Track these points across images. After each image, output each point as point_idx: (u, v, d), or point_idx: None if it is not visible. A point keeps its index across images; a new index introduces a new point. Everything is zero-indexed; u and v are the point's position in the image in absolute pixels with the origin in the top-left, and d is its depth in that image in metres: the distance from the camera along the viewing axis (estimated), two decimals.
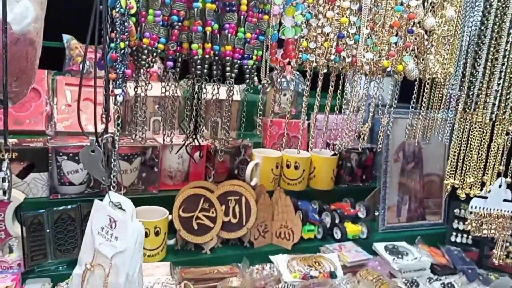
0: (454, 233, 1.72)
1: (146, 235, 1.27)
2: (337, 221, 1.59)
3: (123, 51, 0.76)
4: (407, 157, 1.71)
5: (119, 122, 0.93)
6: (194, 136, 1.14)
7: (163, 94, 1.19)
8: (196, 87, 1.03)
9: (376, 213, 1.69)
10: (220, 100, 1.66)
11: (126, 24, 0.77)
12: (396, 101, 1.35)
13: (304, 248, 1.50)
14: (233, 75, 0.96)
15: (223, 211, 1.41)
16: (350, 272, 1.39)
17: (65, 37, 1.63)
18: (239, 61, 0.97)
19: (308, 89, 1.52)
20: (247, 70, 0.98)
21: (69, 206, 1.21)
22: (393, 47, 1.05)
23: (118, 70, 0.77)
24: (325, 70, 1.08)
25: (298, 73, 1.87)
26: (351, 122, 1.58)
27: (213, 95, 1.14)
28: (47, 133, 1.44)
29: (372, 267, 1.44)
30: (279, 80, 1.82)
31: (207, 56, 0.92)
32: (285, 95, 1.81)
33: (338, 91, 1.43)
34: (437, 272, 1.52)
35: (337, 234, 1.57)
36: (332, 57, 1.06)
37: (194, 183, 1.42)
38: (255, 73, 1.00)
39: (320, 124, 1.61)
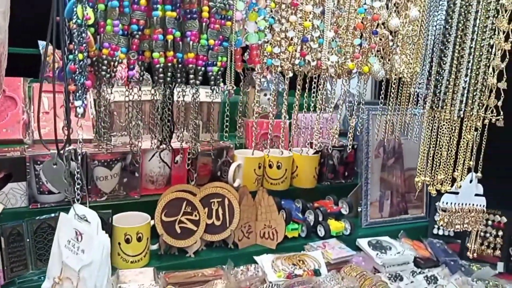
0: (436, 226, 1.74)
1: (128, 241, 1.27)
2: (320, 218, 1.61)
3: (82, 62, 0.76)
4: (387, 152, 1.73)
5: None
6: (168, 142, 1.12)
7: (139, 98, 1.19)
8: (167, 92, 1.02)
9: (359, 209, 1.70)
10: (201, 102, 1.68)
11: (83, 35, 0.76)
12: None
13: (288, 247, 1.51)
14: (198, 82, 0.96)
15: (206, 213, 1.41)
16: (334, 269, 1.41)
17: (41, 43, 1.61)
18: (203, 68, 0.97)
19: (287, 87, 1.53)
20: (212, 77, 0.98)
21: (49, 215, 1.20)
22: (357, 49, 1.06)
23: (77, 82, 0.77)
24: (291, 74, 1.08)
25: (278, 72, 1.88)
26: (331, 120, 1.60)
27: (194, 98, 1.14)
28: (25, 141, 1.42)
29: (356, 263, 1.46)
30: (259, 80, 1.85)
31: (169, 64, 0.92)
32: (265, 95, 1.81)
33: (315, 90, 1.45)
34: (420, 265, 1.54)
35: (321, 231, 1.58)
36: (297, 61, 1.06)
37: (176, 186, 1.42)
38: (221, 79, 1.00)
39: (301, 123, 1.62)
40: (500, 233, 1.61)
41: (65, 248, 0.82)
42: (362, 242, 1.56)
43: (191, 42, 0.94)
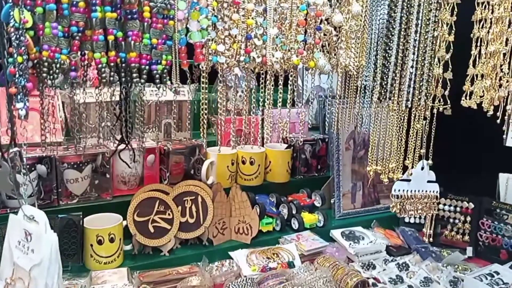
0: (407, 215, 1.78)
1: (101, 242, 1.27)
2: (294, 212, 1.63)
3: (21, 65, 0.76)
4: (357, 145, 1.77)
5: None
6: (127, 141, 1.12)
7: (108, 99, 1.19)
8: (124, 91, 1.02)
9: (332, 201, 1.73)
10: (171, 101, 1.68)
11: (22, 38, 0.77)
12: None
13: (263, 241, 1.53)
14: (142, 81, 0.97)
15: (180, 212, 1.42)
16: (308, 261, 1.43)
17: None
18: (147, 67, 0.98)
19: (255, 84, 1.55)
20: (157, 75, 0.99)
21: None
22: (301, 45, 1.09)
23: (18, 85, 0.77)
24: (238, 71, 1.10)
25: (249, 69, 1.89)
26: (303, 115, 1.62)
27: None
28: None
29: (329, 254, 1.48)
30: (229, 77, 1.86)
31: (112, 64, 0.92)
32: (237, 92, 1.82)
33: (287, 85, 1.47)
34: (393, 253, 1.58)
35: (295, 224, 1.61)
36: (242, 58, 1.08)
37: (149, 186, 1.42)
38: (167, 77, 1.01)
39: (273, 119, 1.64)
40: (468, 218, 1.66)
41: (15, 249, 0.82)
42: (336, 233, 1.59)
43: (132, 42, 0.95)
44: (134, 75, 0.95)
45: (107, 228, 1.27)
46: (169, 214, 1.39)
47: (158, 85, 0.97)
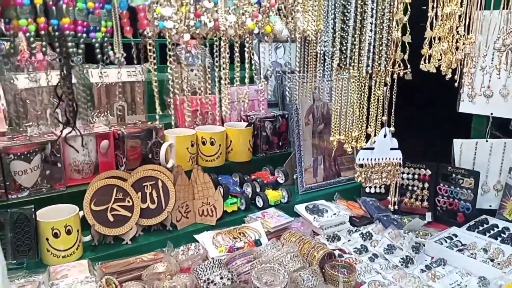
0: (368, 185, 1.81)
1: (57, 235, 1.20)
2: (258, 190, 1.62)
3: None
4: (316, 119, 1.76)
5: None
6: (73, 123, 1.02)
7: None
8: (65, 69, 0.93)
9: (295, 177, 1.73)
10: (123, 82, 1.60)
11: None
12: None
13: (229, 222, 1.51)
14: (80, 51, 0.88)
15: (140, 198, 1.37)
16: (274, 237, 1.43)
17: None
18: (84, 35, 0.88)
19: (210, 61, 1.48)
20: (97, 44, 0.90)
21: None
22: (256, 7, 1.03)
23: None
24: (188, 37, 1.02)
25: (203, 47, 1.83)
26: (261, 92, 1.59)
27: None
28: None
29: (295, 229, 1.49)
30: (184, 56, 1.79)
31: (43, 32, 0.83)
32: (192, 70, 1.76)
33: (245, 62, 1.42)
34: (356, 224, 1.61)
35: (259, 202, 1.59)
36: (192, 22, 0.99)
37: (105, 173, 1.36)
38: (109, 48, 0.92)
39: (231, 96, 1.60)
40: (426, 185, 1.71)
41: None
42: (300, 208, 1.60)
43: (65, 6, 0.84)
44: (69, 44, 0.85)
45: (62, 220, 1.20)
46: (128, 201, 1.34)
47: (99, 56, 0.87)
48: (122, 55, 0.98)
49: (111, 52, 0.92)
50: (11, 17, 0.83)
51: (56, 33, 0.85)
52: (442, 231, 1.54)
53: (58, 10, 0.85)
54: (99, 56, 0.89)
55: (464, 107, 1.72)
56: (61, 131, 1.06)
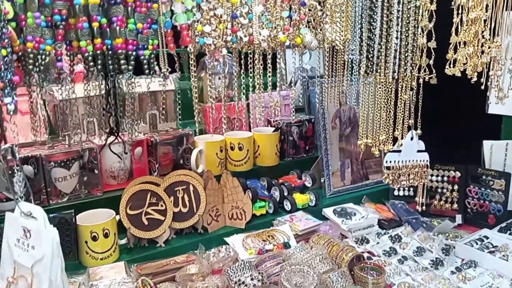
0: (397, 188, 1.81)
1: (95, 238, 1.26)
2: (285, 193, 1.64)
3: (6, 58, 0.74)
4: (343, 123, 1.78)
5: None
6: (116, 132, 1.11)
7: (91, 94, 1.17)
8: (109, 82, 1.01)
9: (322, 180, 1.75)
10: (154, 92, 1.66)
11: (4, 30, 0.74)
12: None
13: (258, 225, 1.54)
14: (130, 67, 0.95)
15: (172, 202, 1.42)
16: (303, 240, 1.45)
17: None
18: (134, 53, 0.96)
19: (238, 69, 1.53)
20: (145, 61, 0.98)
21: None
22: (287, 21, 1.08)
23: (4, 79, 0.75)
24: (225, 52, 1.09)
25: (229, 55, 1.88)
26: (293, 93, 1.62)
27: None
28: None
29: (323, 232, 1.50)
30: (211, 64, 1.84)
31: (99, 51, 0.91)
32: (219, 78, 1.81)
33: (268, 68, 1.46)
34: (385, 226, 1.61)
35: (287, 206, 1.62)
36: (229, 37, 1.07)
37: (139, 179, 1.41)
38: (155, 63, 1.00)
39: (258, 103, 1.64)
40: (456, 187, 1.70)
41: (15, 247, 0.81)
42: (328, 211, 1.61)
43: (118, 28, 0.93)
44: (122, 61, 0.93)
45: (100, 224, 1.26)
46: (161, 205, 1.39)
47: (146, 71, 0.95)
48: (168, 70, 1.05)
49: (156, 68, 1.00)
50: (71, 39, 0.91)
51: (109, 52, 0.95)
52: (473, 233, 1.52)
53: (112, 31, 0.94)
54: (146, 71, 0.97)
55: (493, 108, 1.70)
56: (106, 140, 1.14)
